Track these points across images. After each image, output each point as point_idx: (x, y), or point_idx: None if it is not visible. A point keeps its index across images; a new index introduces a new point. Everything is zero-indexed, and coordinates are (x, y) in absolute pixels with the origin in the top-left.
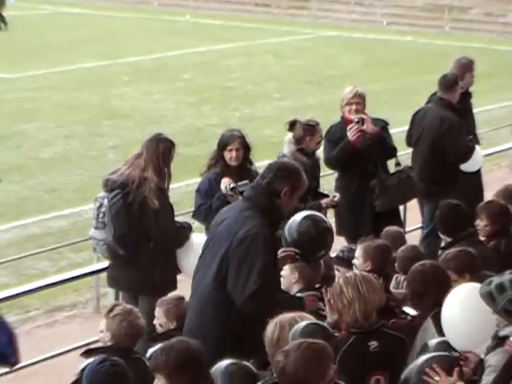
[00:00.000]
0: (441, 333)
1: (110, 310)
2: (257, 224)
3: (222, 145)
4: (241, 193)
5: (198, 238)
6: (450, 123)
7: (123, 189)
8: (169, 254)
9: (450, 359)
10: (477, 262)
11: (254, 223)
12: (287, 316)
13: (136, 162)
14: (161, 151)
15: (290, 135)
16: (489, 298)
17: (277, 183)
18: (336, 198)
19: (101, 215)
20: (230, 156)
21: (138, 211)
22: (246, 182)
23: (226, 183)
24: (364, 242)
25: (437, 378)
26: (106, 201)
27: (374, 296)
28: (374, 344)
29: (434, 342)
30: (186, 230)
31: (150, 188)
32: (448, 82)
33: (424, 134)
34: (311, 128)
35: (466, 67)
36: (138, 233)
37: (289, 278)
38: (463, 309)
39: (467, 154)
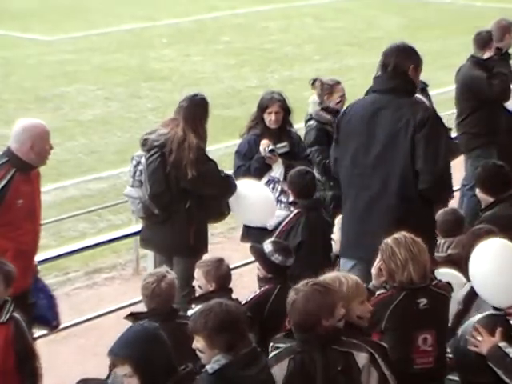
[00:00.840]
0: None
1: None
2: (425, 106)
3: (262, 107)
4: (280, 155)
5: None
6: (478, 81)
7: (162, 148)
8: (203, 216)
9: (494, 319)
10: None
11: (422, 105)
12: (332, 273)
13: (174, 122)
14: (199, 110)
15: (314, 96)
16: None
17: (401, 64)
18: None
19: (138, 173)
20: (270, 118)
21: (176, 171)
22: (284, 144)
23: (264, 145)
24: None
25: (479, 338)
26: (143, 159)
27: (424, 256)
28: (423, 301)
29: None
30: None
31: (189, 150)
32: (481, 40)
33: (459, 91)
34: (329, 87)
35: (506, 29)
36: (175, 192)
37: None
38: (497, 265)
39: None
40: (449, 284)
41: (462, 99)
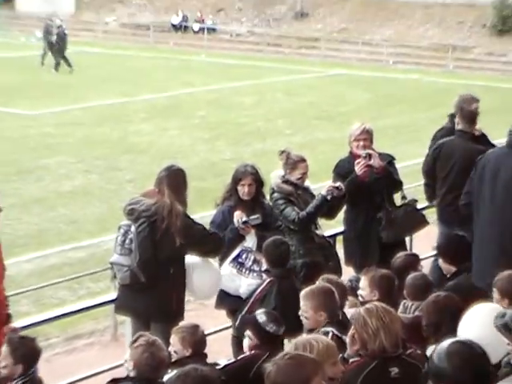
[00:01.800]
0: None
1: (135, 341)
2: None
3: (236, 179)
4: (252, 226)
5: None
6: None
7: (150, 218)
8: (184, 282)
9: None
10: None
11: None
12: (303, 337)
13: (158, 192)
14: (179, 180)
15: (276, 171)
16: (504, 329)
17: None
18: (337, 184)
19: (127, 241)
20: (243, 191)
21: (167, 238)
22: (257, 216)
23: (238, 217)
24: (368, 273)
25: None
26: (133, 228)
27: (396, 325)
28: (394, 370)
29: None
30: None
31: (177, 216)
32: (471, 115)
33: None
34: (293, 162)
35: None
36: (161, 259)
37: (313, 317)
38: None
39: None
40: (425, 355)
41: (462, 173)
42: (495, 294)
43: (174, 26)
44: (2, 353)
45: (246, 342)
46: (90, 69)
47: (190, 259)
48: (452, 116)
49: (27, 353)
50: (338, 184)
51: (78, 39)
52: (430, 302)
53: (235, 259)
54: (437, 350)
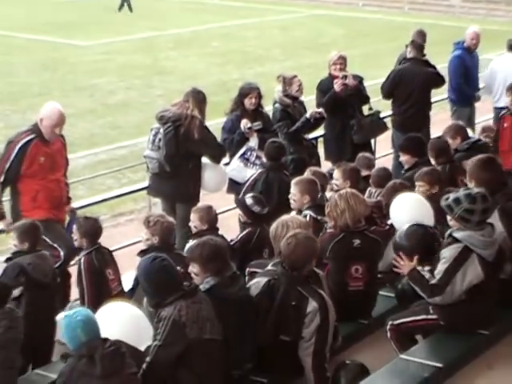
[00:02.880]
0: None
1: (148, 221)
2: None
3: (244, 94)
4: (255, 131)
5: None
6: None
7: (175, 122)
8: (200, 174)
9: (414, 240)
10: (443, 179)
11: None
12: (282, 218)
13: (184, 104)
14: (202, 97)
15: (279, 86)
16: (448, 208)
17: None
18: (319, 110)
19: (157, 140)
20: (250, 102)
21: (186, 138)
22: (259, 123)
23: (244, 123)
24: (341, 167)
25: (402, 263)
26: (161, 130)
27: (360, 207)
28: (357, 241)
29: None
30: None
31: (195, 124)
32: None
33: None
34: (289, 80)
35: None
36: (182, 155)
37: (300, 200)
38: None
39: None
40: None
41: (422, 91)
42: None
43: None
44: (73, 230)
45: (240, 219)
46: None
47: (204, 161)
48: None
49: (88, 230)
50: (319, 110)
51: None
52: (388, 187)
53: (242, 155)
54: (398, 231)
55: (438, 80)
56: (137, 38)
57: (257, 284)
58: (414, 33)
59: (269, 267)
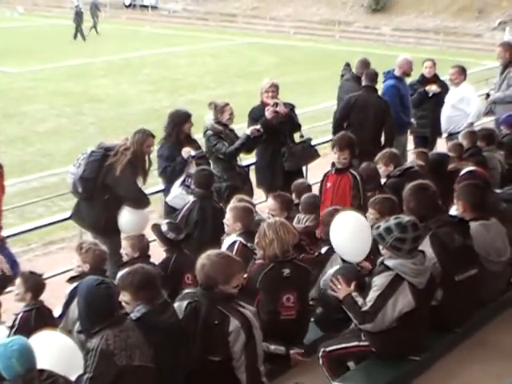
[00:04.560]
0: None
1: (81, 248)
2: None
3: (182, 120)
4: (197, 158)
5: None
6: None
7: (106, 150)
8: (117, 208)
9: (351, 271)
10: (395, 208)
11: None
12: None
13: (124, 140)
14: (138, 138)
15: (209, 114)
16: (379, 238)
17: None
18: (258, 127)
19: (81, 156)
20: (188, 127)
21: (107, 171)
22: (201, 151)
23: (186, 152)
24: (278, 197)
25: (339, 287)
26: (89, 149)
27: (289, 236)
28: (286, 271)
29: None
30: (145, 199)
31: (121, 161)
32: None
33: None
34: (221, 108)
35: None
36: (100, 184)
37: (232, 226)
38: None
39: None
40: (313, 258)
41: (376, 118)
42: (372, 213)
43: (125, 5)
44: (16, 283)
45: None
46: (58, 36)
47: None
48: (347, 65)
49: (35, 285)
50: (258, 127)
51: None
52: (325, 214)
53: (183, 183)
54: (324, 277)
55: (387, 110)
56: (67, 65)
57: (178, 308)
58: (362, 63)
59: (186, 290)
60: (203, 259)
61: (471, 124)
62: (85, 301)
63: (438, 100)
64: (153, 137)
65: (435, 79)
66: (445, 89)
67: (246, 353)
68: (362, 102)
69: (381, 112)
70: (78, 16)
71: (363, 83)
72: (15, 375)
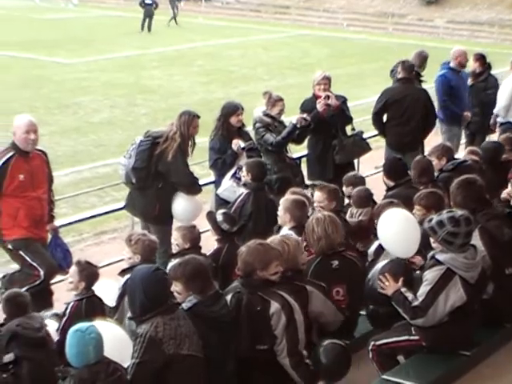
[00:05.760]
0: None
1: (130, 240)
2: None
3: (230, 112)
4: (248, 150)
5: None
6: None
7: (155, 138)
8: (170, 197)
9: (399, 266)
10: (442, 202)
11: None
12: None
13: (170, 126)
14: (184, 120)
15: (258, 108)
16: (431, 231)
17: None
18: (304, 115)
19: (131, 147)
20: (237, 120)
21: (158, 159)
22: (250, 142)
23: (236, 144)
24: (325, 188)
25: (387, 283)
26: (138, 139)
27: (336, 235)
28: (335, 262)
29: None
30: (198, 184)
31: (172, 147)
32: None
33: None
34: (274, 101)
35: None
36: (152, 173)
37: (282, 218)
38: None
39: None
40: (362, 252)
41: (414, 109)
42: (418, 209)
43: None
44: (71, 272)
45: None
46: (112, 28)
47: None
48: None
49: (89, 274)
50: (305, 115)
51: (106, 5)
52: (378, 208)
53: (234, 175)
54: (372, 271)
55: (426, 100)
56: (121, 56)
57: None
58: (414, 54)
59: (232, 284)
60: (242, 247)
61: None
62: (141, 286)
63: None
64: (198, 117)
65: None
66: (494, 83)
67: (287, 335)
68: (399, 95)
69: (419, 102)
70: (148, 7)
71: (399, 75)
72: (85, 364)
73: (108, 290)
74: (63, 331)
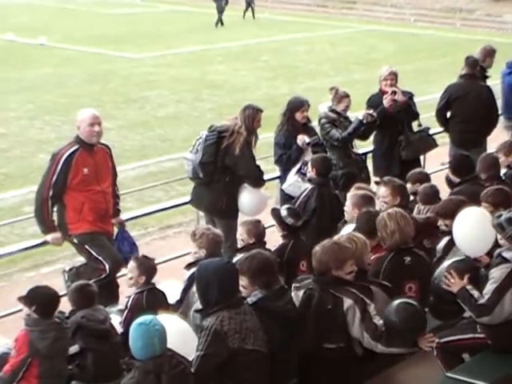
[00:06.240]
0: None
1: (194, 234)
2: None
3: (296, 107)
4: (313, 145)
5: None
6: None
7: (220, 133)
8: (237, 191)
9: (466, 264)
10: (509, 199)
11: None
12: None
13: (235, 119)
14: (249, 114)
15: (322, 104)
16: (499, 227)
17: None
18: (371, 111)
19: (197, 144)
20: (302, 116)
21: (225, 152)
22: (315, 137)
23: (301, 139)
24: (389, 183)
25: (452, 281)
26: (204, 133)
27: (408, 228)
28: (408, 258)
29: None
30: (263, 177)
31: (239, 140)
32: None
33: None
34: (340, 97)
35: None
36: (219, 166)
37: (351, 213)
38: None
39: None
40: (431, 248)
41: (476, 106)
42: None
43: None
44: (129, 267)
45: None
46: (178, 22)
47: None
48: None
49: (148, 268)
50: (371, 111)
51: (172, 0)
52: (448, 201)
53: (299, 170)
54: (439, 268)
55: (489, 97)
56: (187, 51)
57: (295, 298)
58: (479, 48)
59: (301, 277)
60: (316, 247)
61: None
62: (214, 278)
63: None
64: (261, 111)
65: None
66: None
67: (366, 326)
68: (462, 92)
69: (482, 99)
70: (218, 2)
71: (463, 71)
72: (150, 356)
73: (171, 289)
74: (126, 324)
